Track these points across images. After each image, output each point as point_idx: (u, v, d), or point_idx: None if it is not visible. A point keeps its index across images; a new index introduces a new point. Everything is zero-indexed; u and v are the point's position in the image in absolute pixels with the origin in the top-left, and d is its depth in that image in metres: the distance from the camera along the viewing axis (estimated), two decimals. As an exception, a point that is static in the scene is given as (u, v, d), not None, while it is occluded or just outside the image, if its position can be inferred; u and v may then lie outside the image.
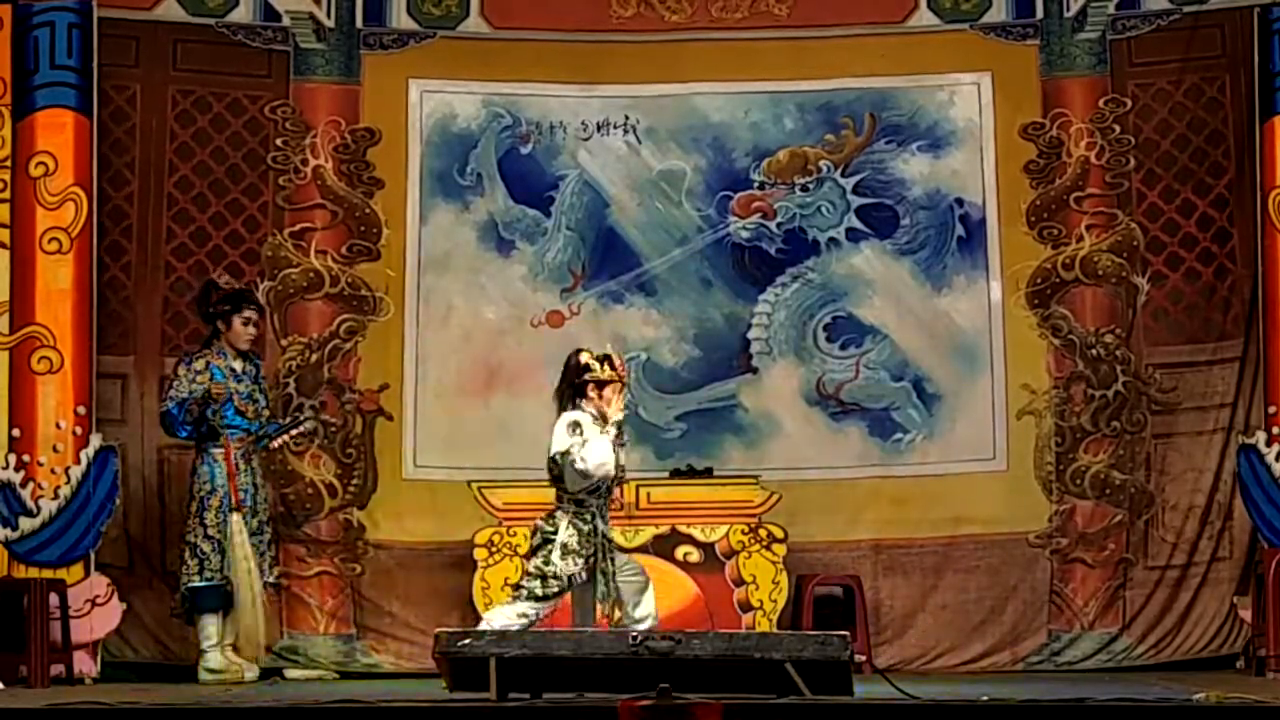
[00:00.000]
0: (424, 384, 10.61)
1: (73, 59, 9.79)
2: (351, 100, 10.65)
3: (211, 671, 9.48)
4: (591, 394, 8.38)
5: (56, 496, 9.57)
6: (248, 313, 9.79)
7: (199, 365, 9.70)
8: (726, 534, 10.01)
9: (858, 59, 10.69)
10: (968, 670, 10.20)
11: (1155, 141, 10.47)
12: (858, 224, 10.73)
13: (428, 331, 10.66)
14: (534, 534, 8.49)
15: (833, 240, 10.73)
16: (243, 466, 9.64)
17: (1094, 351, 10.47)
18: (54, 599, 9.35)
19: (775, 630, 9.58)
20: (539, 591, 8.30)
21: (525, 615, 8.25)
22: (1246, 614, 9.79)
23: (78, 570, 9.59)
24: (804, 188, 10.75)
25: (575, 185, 10.78)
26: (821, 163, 10.74)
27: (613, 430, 8.34)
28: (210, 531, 9.58)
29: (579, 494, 8.38)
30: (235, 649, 9.61)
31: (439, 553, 10.34)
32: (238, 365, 9.78)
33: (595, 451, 8.25)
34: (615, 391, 8.37)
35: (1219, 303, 10.37)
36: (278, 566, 9.92)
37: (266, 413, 9.89)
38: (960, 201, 10.69)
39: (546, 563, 8.30)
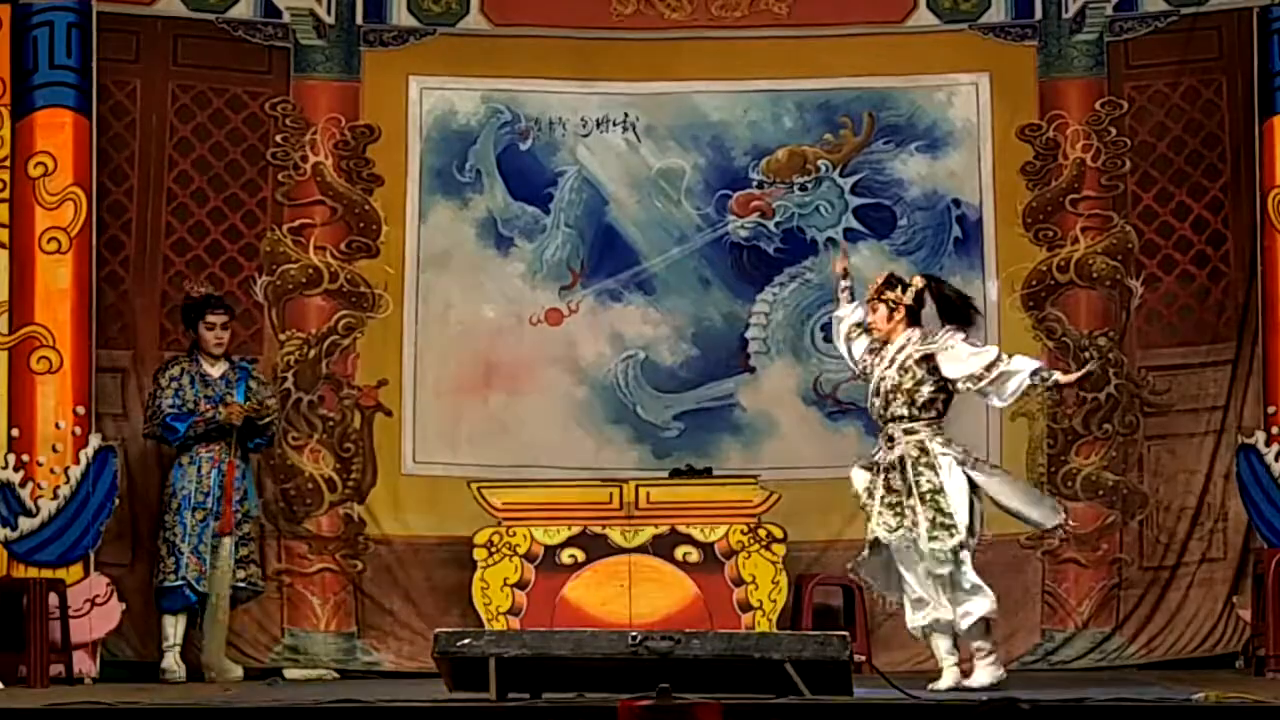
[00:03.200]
0: (423, 381, 10.61)
1: (72, 59, 9.77)
2: (351, 97, 10.65)
3: (161, 672, 9.51)
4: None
5: (56, 496, 9.56)
6: (211, 318, 9.80)
7: (175, 371, 9.75)
8: (726, 534, 10.01)
9: (857, 59, 10.70)
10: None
11: (1151, 144, 10.48)
12: (855, 224, 10.74)
13: (427, 328, 10.67)
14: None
15: (831, 240, 10.74)
16: (205, 469, 9.65)
17: (1087, 354, 10.49)
18: (53, 599, 9.35)
19: (775, 630, 9.60)
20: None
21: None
22: (1245, 614, 9.82)
23: (77, 570, 9.59)
24: (802, 187, 10.76)
25: (574, 182, 10.79)
26: (820, 162, 10.76)
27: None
28: (169, 535, 9.62)
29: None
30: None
31: (439, 548, 10.35)
32: (214, 371, 9.79)
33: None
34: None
35: (1213, 306, 10.39)
36: (251, 568, 9.83)
37: (270, 413, 9.91)
38: (957, 202, 10.71)
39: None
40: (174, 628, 9.60)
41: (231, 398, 9.75)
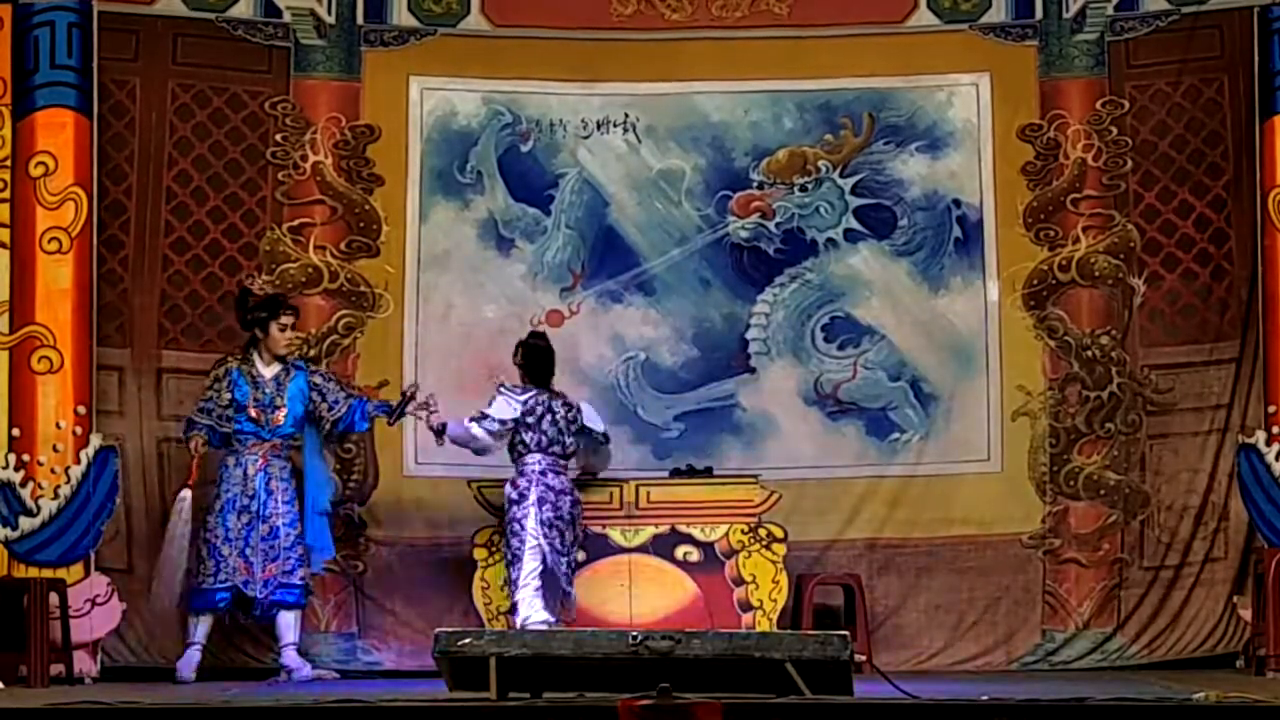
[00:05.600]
0: (424, 381, 10.57)
1: (73, 59, 9.76)
2: (352, 97, 10.66)
3: (176, 670, 9.48)
4: None
5: (56, 496, 9.54)
6: (284, 318, 9.76)
7: (219, 373, 9.74)
8: (726, 533, 10.02)
9: (857, 59, 10.71)
10: (963, 670, 10.22)
11: (1153, 143, 10.49)
12: (856, 225, 10.75)
13: (427, 329, 10.68)
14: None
15: (831, 241, 10.75)
16: (251, 471, 9.62)
17: (1089, 353, 10.50)
18: (54, 599, 9.34)
19: (775, 630, 9.60)
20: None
21: None
22: (1246, 613, 9.82)
23: (78, 570, 9.58)
24: (803, 188, 10.76)
25: (575, 184, 10.80)
26: (820, 163, 10.76)
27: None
28: (209, 536, 9.59)
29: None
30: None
31: (440, 549, 10.36)
32: (267, 372, 9.72)
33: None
34: None
35: (1215, 304, 10.39)
36: (303, 569, 9.78)
37: (341, 409, 9.78)
38: (958, 202, 10.72)
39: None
40: (198, 627, 9.58)
41: (281, 400, 9.71)
